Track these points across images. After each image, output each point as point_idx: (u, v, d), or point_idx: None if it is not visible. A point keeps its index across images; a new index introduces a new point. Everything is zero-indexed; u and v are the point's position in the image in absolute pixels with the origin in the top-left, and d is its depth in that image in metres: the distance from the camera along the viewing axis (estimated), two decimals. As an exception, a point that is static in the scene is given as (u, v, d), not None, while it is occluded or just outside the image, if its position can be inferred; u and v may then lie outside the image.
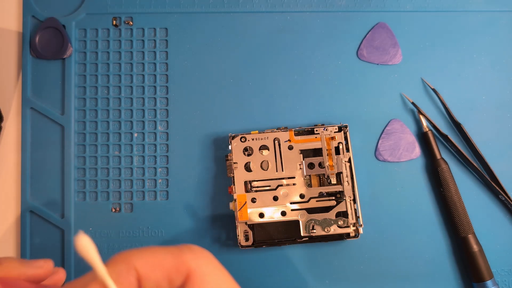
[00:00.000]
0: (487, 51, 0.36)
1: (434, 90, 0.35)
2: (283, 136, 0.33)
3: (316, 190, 0.32)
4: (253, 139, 0.33)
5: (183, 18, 0.36)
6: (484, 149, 0.35)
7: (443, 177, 0.34)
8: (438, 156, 0.34)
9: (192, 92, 0.35)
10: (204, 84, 0.35)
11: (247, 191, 0.32)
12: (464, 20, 0.36)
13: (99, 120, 0.35)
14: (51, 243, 0.34)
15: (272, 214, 0.32)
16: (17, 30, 0.36)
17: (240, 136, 0.33)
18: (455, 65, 0.36)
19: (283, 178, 0.32)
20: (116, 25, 0.36)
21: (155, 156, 0.35)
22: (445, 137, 0.35)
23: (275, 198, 0.32)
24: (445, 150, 0.35)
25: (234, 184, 0.32)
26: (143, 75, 0.35)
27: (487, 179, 0.34)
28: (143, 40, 0.36)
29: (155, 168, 0.35)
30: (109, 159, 0.35)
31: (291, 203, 0.32)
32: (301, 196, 0.32)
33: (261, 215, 0.32)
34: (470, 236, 0.33)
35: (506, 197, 0.34)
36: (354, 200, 0.32)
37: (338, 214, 0.32)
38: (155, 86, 0.35)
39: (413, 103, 0.35)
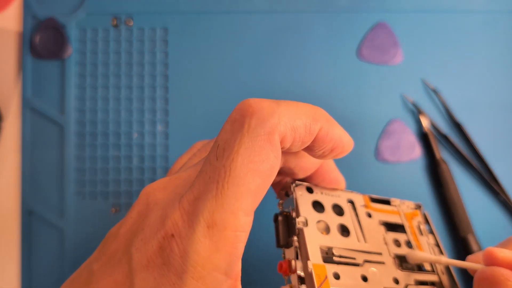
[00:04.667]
0: (487, 51, 0.36)
1: (434, 90, 0.35)
2: (357, 198, 0.25)
3: (411, 275, 0.23)
4: (321, 193, 0.24)
5: (183, 18, 0.36)
6: (484, 149, 0.35)
7: (443, 177, 0.34)
8: (438, 156, 0.34)
9: (192, 92, 0.35)
10: (204, 84, 0.35)
11: (325, 261, 0.21)
12: (464, 20, 0.36)
13: (99, 120, 0.35)
14: (51, 243, 0.34)
15: None
16: (17, 30, 0.36)
17: (305, 185, 0.23)
18: (455, 65, 0.36)
19: (369, 252, 0.23)
20: (116, 25, 0.36)
21: (154, 156, 0.35)
22: (445, 137, 0.35)
23: (364, 279, 0.21)
24: (445, 150, 0.35)
25: (299, 253, 0.20)
26: (143, 75, 0.35)
27: (487, 179, 0.34)
28: (143, 40, 0.36)
29: (154, 168, 0.35)
30: (109, 159, 0.35)
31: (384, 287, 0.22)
32: (395, 281, 0.23)
33: None
34: (470, 236, 0.33)
35: (506, 197, 0.34)
36: None
37: None
38: (155, 86, 0.35)
39: (413, 103, 0.35)
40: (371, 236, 0.24)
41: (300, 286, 0.19)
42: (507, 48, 0.36)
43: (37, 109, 0.35)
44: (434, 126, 0.35)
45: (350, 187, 0.35)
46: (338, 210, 0.24)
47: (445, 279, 0.24)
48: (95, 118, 0.35)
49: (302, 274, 0.19)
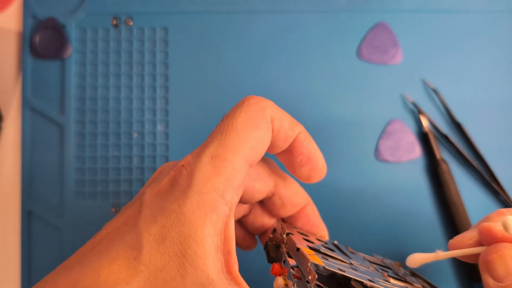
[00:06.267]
0: (487, 51, 0.36)
1: (434, 90, 0.35)
2: (340, 245, 0.26)
3: (403, 285, 0.23)
4: (307, 235, 0.24)
5: (184, 18, 0.36)
6: (484, 149, 0.35)
7: (443, 177, 0.34)
8: (438, 156, 0.34)
9: (192, 92, 0.35)
10: (204, 84, 0.35)
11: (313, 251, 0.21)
12: (464, 20, 0.36)
13: (99, 120, 0.35)
14: (51, 243, 0.34)
15: (357, 275, 0.20)
16: (17, 30, 0.36)
17: (291, 225, 0.25)
18: (455, 65, 0.36)
19: (357, 263, 0.23)
20: (116, 25, 0.36)
21: (154, 156, 0.35)
22: (445, 137, 0.35)
23: (354, 269, 0.21)
24: (445, 150, 0.35)
25: (286, 249, 0.21)
26: (143, 75, 0.35)
27: (487, 179, 0.34)
28: (143, 40, 0.36)
29: (154, 168, 0.35)
30: (109, 159, 0.35)
31: (376, 278, 0.22)
32: (386, 281, 0.23)
33: (341, 270, 0.20)
34: (470, 236, 0.33)
35: (506, 197, 0.34)
36: None
37: None
38: (155, 86, 0.35)
39: (413, 103, 0.35)
40: (357, 261, 0.24)
41: (293, 279, 0.19)
42: (507, 48, 0.36)
43: (37, 109, 0.35)
44: (434, 126, 0.35)
45: (350, 187, 0.35)
46: (324, 242, 0.25)
47: None
48: (95, 118, 0.35)
49: (294, 264, 0.20)
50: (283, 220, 0.27)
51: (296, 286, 0.18)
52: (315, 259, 0.20)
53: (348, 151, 0.35)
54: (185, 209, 0.17)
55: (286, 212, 0.25)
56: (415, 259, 0.24)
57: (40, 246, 0.34)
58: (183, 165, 0.19)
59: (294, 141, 0.22)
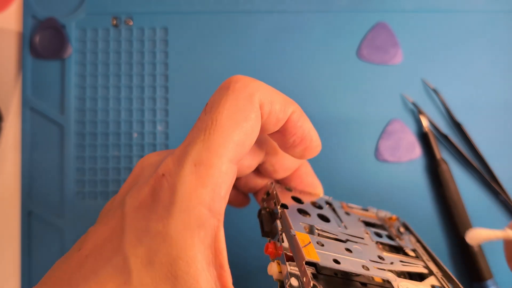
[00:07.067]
0: (487, 51, 0.36)
1: (434, 90, 0.35)
2: (335, 202, 0.26)
3: (396, 257, 0.23)
4: (300, 192, 0.25)
5: (184, 18, 0.36)
6: (484, 149, 0.35)
7: (443, 177, 0.34)
8: (438, 156, 0.34)
9: (192, 92, 0.35)
10: (204, 84, 0.35)
11: (309, 233, 0.21)
12: (464, 20, 0.36)
13: (99, 120, 0.35)
14: (51, 243, 0.34)
15: (351, 266, 0.20)
16: (17, 30, 0.36)
17: (284, 186, 0.25)
18: (455, 65, 0.36)
19: (351, 235, 0.23)
20: (116, 25, 0.36)
21: (155, 156, 0.35)
22: (445, 137, 0.35)
23: (349, 250, 0.21)
24: (445, 150, 0.35)
25: (283, 229, 0.20)
26: (143, 75, 0.35)
27: (487, 179, 0.34)
28: (143, 40, 0.36)
29: (155, 168, 0.35)
30: (109, 159, 0.35)
31: (370, 260, 0.21)
32: (380, 257, 0.22)
33: (337, 262, 0.19)
34: (470, 236, 0.33)
35: (506, 197, 0.34)
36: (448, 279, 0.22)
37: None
38: (155, 86, 0.35)
39: (413, 103, 0.35)
40: (351, 226, 0.24)
41: (279, 263, 0.19)
42: (507, 48, 0.36)
43: (37, 109, 0.35)
44: (434, 126, 0.35)
45: (350, 187, 0.35)
46: (317, 206, 0.24)
47: (431, 265, 0.24)
48: (95, 118, 0.35)
49: (284, 246, 0.19)
50: (277, 180, 0.26)
51: (291, 283, 0.17)
52: (310, 253, 0.18)
53: (348, 151, 0.35)
54: (171, 229, 0.16)
55: (279, 176, 0.25)
56: (477, 235, 0.21)
57: (40, 246, 0.34)
58: (163, 174, 0.17)
59: (286, 122, 0.20)
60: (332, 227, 0.22)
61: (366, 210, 0.27)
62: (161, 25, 0.36)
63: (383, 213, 0.27)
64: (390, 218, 0.27)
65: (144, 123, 0.35)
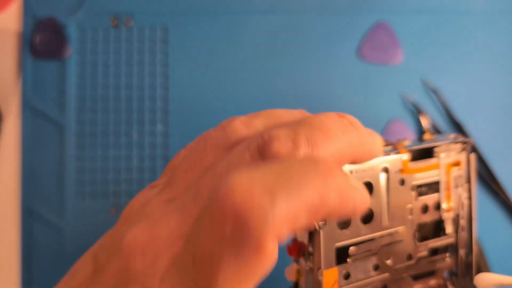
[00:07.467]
0: (487, 51, 0.36)
1: (434, 90, 0.35)
2: (394, 163, 0.22)
3: (427, 245, 0.23)
4: (351, 172, 0.20)
5: (184, 18, 0.36)
6: (484, 149, 0.35)
7: (443, 177, 0.34)
8: (438, 156, 0.34)
9: (193, 92, 0.35)
10: (205, 84, 0.35)
11: (339, 262, 0.19)
12: (464, 20, 0.36)
13: (99, 120, 0.35)
14: (51, 243, 0.34)
15: None
16: (17, 30, 0.36)
17: None
18: (455, 65, 0.36)
19: (387, 236, 0.22)
20: (116, 25, 0.36)
21: (154, 156, 0.35)
22: (445, 137, 0.35)
23: (376, 267, 0.21)
24: (445, 150, 0.35)
25: (312, 257, 0.19)
26: (143, 75, 0.35)
27: (487, 179, 0.34)
28: (143, 40, 0.36)
29: (154, 168, 0.35)
30: (109, 159, 0.35)
31: (395, 270, 0.21)
32: (409, 257, 0.22)
33: None
34: (470, 236, 0.33)
35: (506, 197, 0.34)
36: (467, 256, 0.22)
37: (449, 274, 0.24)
38: (155, 86, 0.35)
39: (413, 103, 0.35)
40: (397, 209, 0.22)
41: (298, 272, 0.18)
42: (507, 48, 0.36)
43: (37, 109, 0.35)
44: (434, 126, 0.35)
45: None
46: (368, 189, 0.20)
47: (463, 235, 0.23)
48: (95, 118, 0.35)
49: (304, 266, 0.19)
50: None
51: None
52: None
53: (348, 151, 0.35)
54: None
55: None
56: (487, 280, 0.20)
57: (40, 246, 0.34)
58: None
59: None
60: (372, 228, 0.21)
61: (432, 154, 0.23)
62: (161, 25, 0.36)
63: (452, 153, 0.24)
64: (454, 163, 0.24)
65: (144, 123, 0.35)
